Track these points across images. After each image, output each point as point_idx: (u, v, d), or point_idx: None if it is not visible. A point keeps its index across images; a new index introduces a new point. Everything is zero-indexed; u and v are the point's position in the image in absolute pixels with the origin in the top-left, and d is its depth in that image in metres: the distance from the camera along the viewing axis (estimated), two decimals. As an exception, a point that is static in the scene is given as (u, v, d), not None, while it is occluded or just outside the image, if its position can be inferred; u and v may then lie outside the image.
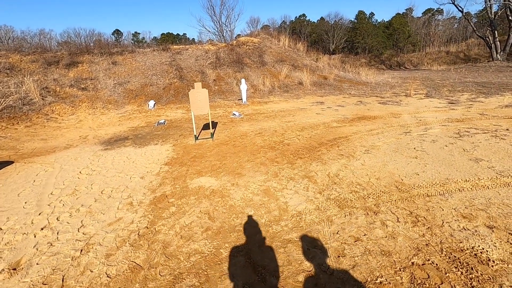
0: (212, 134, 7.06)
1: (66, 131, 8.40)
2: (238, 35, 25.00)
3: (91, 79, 12.88)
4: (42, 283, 2.38)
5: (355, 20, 52.04)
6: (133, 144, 6.72)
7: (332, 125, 7.76)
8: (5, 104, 9.32)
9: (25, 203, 3.86)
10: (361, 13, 52.00)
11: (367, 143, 5.95)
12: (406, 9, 53.59)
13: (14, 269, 2.56)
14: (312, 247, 2.69)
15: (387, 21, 52.50)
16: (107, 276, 2.43)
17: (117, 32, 56.85)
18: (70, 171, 4.99)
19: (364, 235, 2.85)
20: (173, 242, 2.88)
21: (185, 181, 4.41)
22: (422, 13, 52.88)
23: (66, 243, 2.93)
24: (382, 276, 2.27)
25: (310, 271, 2.38)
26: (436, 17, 50.75)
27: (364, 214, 3.24)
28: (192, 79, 14.37)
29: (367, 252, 2.58)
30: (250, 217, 3.29)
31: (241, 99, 12.54)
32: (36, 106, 9.94)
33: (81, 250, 2.80)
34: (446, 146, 5.47)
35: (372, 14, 55.05)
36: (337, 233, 2.90)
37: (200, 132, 7.55)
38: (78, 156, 5.86)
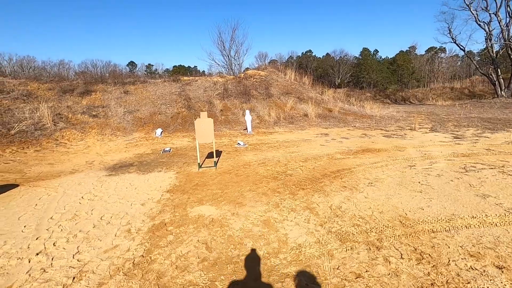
0: (216, 163, 7.10)
1: (73, 156, 8.56)
2: (246, 69, 26.07)
3: (103, 106, 13.36)
4: (30, 312, 2.30)
5: (360, 56, 53.97)
6: (137, 170, 6.78)
7: (336, 157, 7.75)
8: (18, 129, 9.65)
9: (24, 227, 3.85)
10: (365, 50, 54.08)
11: (371, 176, 5.89)
12: (409, 47, 55.55)
13: (4, 295, 2.50)
14: (310, 283, 2.58)
15: (391, 58, 54.28)
16: (97, 307, 2.35)
17: (131, 64, 59.81)
18: (72, 196, 5.02)
19: (366, 271, 2.73)
20: (167, 273, 2.80)
21: (185, 209, 4.38)
22: (425, 51, 54.66)
23: (60, 269, 2.87)
24: (384, 317, 2.14)
25: (307, 309, 2.26)
26: (439, 55, 52.33)
27: (366, 249, 3.13)
28: (199, 109, 14.78)
29: (369, 290, 2.46)
30: (248, 249, 3.20)
31: (246, 129, 12.75)
32: (47, 131, 10.25)
33: (74, 278, 2.73)
34: (452, 181, 5.37)
35: (376, 51, 57.15)
36: (337, 268, 2.79)
37: (204, 161, 7.60)
38: (82, 181, 5.92)
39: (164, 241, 3.42)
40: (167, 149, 9.20)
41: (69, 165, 7.43)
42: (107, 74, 23.02)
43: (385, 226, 3.64)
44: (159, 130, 11.93)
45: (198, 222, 3.92)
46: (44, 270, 2.87)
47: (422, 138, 10.45)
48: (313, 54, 59.00)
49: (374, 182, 5.48)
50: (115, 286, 2.61)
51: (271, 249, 3.17)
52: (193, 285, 2.61)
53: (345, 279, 2.62)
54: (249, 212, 4.19)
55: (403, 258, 2.93)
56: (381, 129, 13.53)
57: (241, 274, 2.75)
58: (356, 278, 2.63)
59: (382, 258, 2.94)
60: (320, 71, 53.28)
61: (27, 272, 2.83)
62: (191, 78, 19.04)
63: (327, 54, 57.31)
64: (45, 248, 3.29)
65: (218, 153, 8.47)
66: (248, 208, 4.36)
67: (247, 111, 12.49)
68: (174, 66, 59.31)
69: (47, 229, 3.76)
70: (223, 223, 3.85)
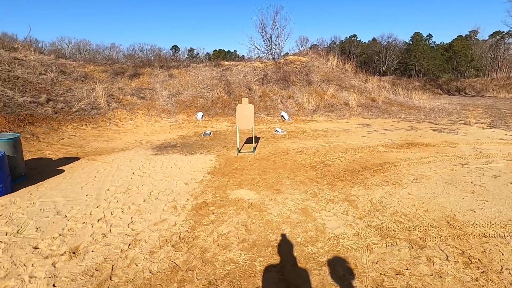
0: (254, 149, 7.24)
1: (124, 134, 9.29)
2: (286, 54, 25.52)
3: (149, 89, 14.14)
4: (95, 269, 2.65)
5: (410, 42, 49.83)
6: (180, 151, 7.18)
7: (378, 149, 7.44)
8: (77, 107, 10.66)
9: (86, 195, 4.34)
10: (417, 34, 49.69)
11: (416, 172, 5.58)
12: (469, 32, 49.81)
13: (74, 253, 2.89)
14: (348, 274, 2.60)
15: (446, 44, 49.37)
16: (150, 272, 2.62)
17: (175, 48, 61.85)
18: (125, 171, 5.50)
19: (407, 269, 2.67)
20: (210, 249, 3.00)
21: (225, 191, 4.58)
22: (489, 36, 48.70)
23: (117, 236, 3.23)
24: (425, 316, 2.10)
25: (344, 298, 2.30)
26: (506, 41, 46.28)
27: (408, 247, 3.04)
28: (239, 94, 14.96)
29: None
30: (286, 234, 3.29)
31: (284, 116, 12.70)
32: (102, 110, 11.19)
33: (129, 244, 3.06)
34: (511, 183, 4.89)
35: (429, 36, 52.26)
36: (376, 263, 2.77)
37: (242, 146, 7.78)
38: (133, 158, 6.43)
39: (206, 219, 3.65)
40: (208, 132, 9.55)
41: (121, 143, 8.09)
42: (153, 58, 24.12)
43: (430, 226, 3.48)
44: (200, 114, 12.37)
45: (237, 204, 4.09)
46: (105, 235, 3.24)
47: (478, 134, 9.55)
48: (357, 39, 55.77)
49: (419, 178, 5.20)
50: (164, 255, 2.88)
51: (309, 237, 3.23)
52: (233, 262, 2.77)
53: (384, 275, 2.59)
54: (286, 199, 4.26)
55: (448, 260, 2.81)
56: (430, 122, 12.59)
57: (278, 258, 2.86)
58: (396, 274, 2.59)
59: (425, 258, 2.84)
60: (365, 57, 50.30)
61: (91, 235, 3.23)
62: (231, 63, 19.22)
63: (373, 39, 53.79)
64: (104, 216, 3.71)
65: (256, 139, 8.59)
66: (285, 195, 4.43)
67: (284, 113, 12.78)
68: (215, 50, 60.17)
69: (105, 199, 4.21)
70: (262, 208, 3.98)
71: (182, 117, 12.30)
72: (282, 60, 20.30)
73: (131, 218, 3.66)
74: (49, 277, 2.52)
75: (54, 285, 2.43)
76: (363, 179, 5.15)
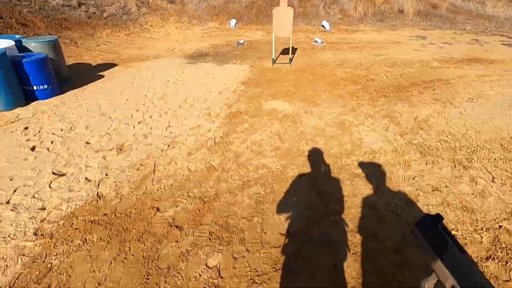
0: (291, 60, 6.73)
1: (156, 42, 9.03)
2: None
3: (179, -9, 12.95)
4: (140, 164, 2.89)
5: None
6: (213, 60, 6.91)
7: (432, 65, 6.56)
8: (109, 12, 10.26)
9: (126, 100, 4.49)
10: None
11: (474, 91, 4.94)
12: None
13: (120, 149, 3.14)
14: (381, 186, 2.58)
15: None
16: (188, 170, 2.81)
17: None
18: (160, 79, 5.51)
19: (446, 186, 2.57)
20: (244, 154, 3.09)
21: (259, 101, 4.47)
22: None
23: (157, 137, 3.41)
24: (457, 229, 2.09)
25: (375, 207, 2.32)
26: None
27: (451, 166, 2.87)
28: (276, -3, 13.24)
29: (445, 204, 2.36)
30: (320, 146, 3.25)
31: (324, 26, 11.30)
32: (133, 16, 10.70)
33: (168, 145, 3.24)
34: None
35: None
36: (413, 178, 2.69)
37: (278, 56, 7.26)
38: (167, 66, 6.35)
39: (240, 127, 3.67)
40: (241, 41, 8.93)
41: (154, 50, 7.93)
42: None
43: (480, 147, 3.21)
44: (233, 21, 11.40)
45: (271, 115, 4.01)
46: (146, 136, 3.44)
47: (562, 51, 7.92)
48: None
49: (476, 98, 4.62)
50: (201, 157, 3.03)
51: (343, 150, 3.16)
52: (266, 167, 2.86)
53: (420, 190, 2.53)
54: (323, 112, 4.08)
55: (494, 182, 2.64)
56: (502, 35, 10.60)
57: (311, 167, 2.88)
58: (433, 190, 2.52)
59: (468, 178, 2.69)
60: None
61: (133, 135, 3.44)
62: (269, -42, 16.44)
63: None
64: (144, 119, 3.87)
65: (293, 50, 7.92)
66: (322, 108, 4.23)
67: (325, 22, 11.10)
68: None
69: (143, 104, 4.34)
70: (296, 119, 3.88)
71: (214, 24, 11.47)
72: (330, -46, 16.90)
73: (169, 122, 3.79)
74: (101, 168, 2.82)
75: (106, 174, 2.72)
76: (409, 96, 4.69)
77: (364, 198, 2.42)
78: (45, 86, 4.41)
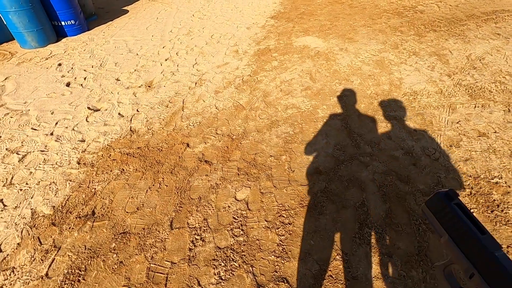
0: (327, -11, 5.96)
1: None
2: None
3: None
4: (169, 101, 2.90)
5: None
6: (241, -8, 6.31)
7: (499, -8, 5.51)
8: None
9: (152, 36, 4.36)
10: None
11: (548, 24, 4.15)
12: None
13: (149, 86, 3.15)
14: (420, 130, 2.41)
15: None
16: (216, 108, 2.78)
17: None
18: (185, 13, 5.20)
19: (495, 132, 2.34)
20: (272, 93, 2.97)
21: (290, 38, 4.13)
22: None
23: (184, 75, 3.35)
24: (501, 177, 1.95)
25: (410, 151, 2.20)
26: None
27: (504, 110, 2.57)
28: None
29: (491, 150, 2.17)
30: (354, 86, 3.02)
31: None
32: None
33: (196, 83, 3.18)
34: None
35: None
36: (457, 122, 2.46)
37: (313, -14, 6.44)
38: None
39: (269, 65, 3.47)
40: (272, -31, 7.96)
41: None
42: None
43: (543, 90, 2.80)
44: None
45: (302, 52, 3.72)
46: (173, 73, 3.38)
47: None
48: None
49: (549, 32, 3.90)
50: (229, 95, 2.96)
51: (380, 91, 2.92)
52: (296, 107, 2.75)
53: (464, 135, 2.33)
54: (360, 50, 3.71)
55: (553, 129, 2.35)
56: None
57: (343, 107, 2.72)
58: (479, 136, 2.31)
59: (522, 123, 2.42)
60: None
61: (161, 72, 3.40)
62: None
63: None
64: (170, 56, 3.77)
65: (331, -23, 6.95)
66: (359, 45, 3.83)
67: None
68: None
69: (169, 41, 4.19)
70: (330, 57, 3.57)
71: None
72: None
73: (195, 59, 3.67)
74: (133, 104, 2.87)
75: (138, 110, 2.78)
76: (464, 30, 4.07)
77: (400, 141, 2.29)
78: (73, 22, 4.35)
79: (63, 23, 4.30)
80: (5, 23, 3.92)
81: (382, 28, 4.27)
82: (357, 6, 5.19)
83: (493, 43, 3.72)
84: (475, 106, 2.63)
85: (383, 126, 2.47)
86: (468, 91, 2.84)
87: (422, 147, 2.23)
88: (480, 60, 3.37)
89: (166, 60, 3.67)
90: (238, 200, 1.90)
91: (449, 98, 2.76)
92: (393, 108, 2.67)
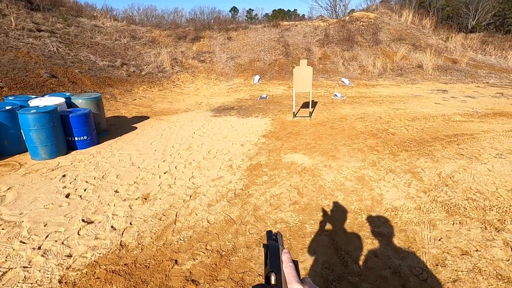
0: (311, 113, 7.01)
1: (186, 96, 9.85)
2: (352, 10, 23.00)
3: (209, 52, 14.43)
4: (162, 214, 3.01)
5: (515, -12, 40.05)
6: (237, 114, 7.36)
7: (455, 119, 6.53)
8: (147, 71, 11.53)
9: (155, 150, 4.83)
10: (526, -23, 39.54)
11: (502, 146, 4.79)
12: None
13: (145, 198, 3.31)
14: (405, 247, 2.47)
15: None
16: (208, 222, 2.88)
17: (234, 9, 60.77)
18: (187, 131, 5.91)
19: (476, 250, 2.41)
20: (262, 207, 3.13)
21: (279, 154, 4.61)
22: None
23: (180, 187, 3.57)
24: (492, 301, 1.91)
25: (398, 271, 2.21)
26: None
27: (481, 227, 2.72)
28: (297, 56, 14.30)
29: (477, 270, 2.20)
30: (339, 201, 3.23)
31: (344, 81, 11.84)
32: (167, 73, 11.92)
33: (190, 196, 3.37)
34: None
35: (545, -22, 41.03)
36: (439, 239, 2.56)
37: (298, 110, 7.60)
38: (194, 119, 6.84)
39: (260, 180, 3.77)
40: (264, 95, 9.51)
41: (183, 104, 8.63)
42: (212, 21, 24.16)
43: (513, 207, 3.03)
44: (257, 77, 12.30)
45: (291, 168, 4.10)
46: (170, 186, 3.62)
47: None
48: (442, -12, 46.89)
49: (505, 154, 4.47)
50: (220, 209, 3.10)
51: (364, 206, 3.11)
52: (284, 222, 2.86)
53: (447, 253, 2.39)
54: (342, 166, 4.11)
55: (532, 247, 2.44)
56: (529, 89, 10.44)
57: (330, 223, 2.84)
58: (462, 255, 2.37)
59: (501, 241, 2.52)
60: (449, 10, 42.44)
61: (159, 185, 3.63)
62: (290, 23, 18.20)
63: (464, -14, 44.57)
64: (169, 169, 4.10)
65: (313, 104, 8.28)
66: (341, 162, 4.27)
67: (344, 79, 11.74)
68: (274, 10, 57.32)
69: (170, 155, 4.63)
70: (315, 173, 3.93)
71: (239, 80, 12.42)
72: (347, 18, 18.44)
73: (192, 173, 3.98)
74: (127, 216, 2.96)
75: (131, 223, 2.85)
76: (432, 151, 4.64)
77: (386, 259, 2.32)
78: (85, 137, 4.89)
79: (76, 138, 4.82)
80: (24, 138, 4.39)
81: (361, 147, 4.85)
82: (337, 128, 6.01)
83: (459, 162, 4.20)
84: (453, 223, 2.78)
85: (369, 242, 2.53)
86: (445, 208, 3.05)
87: (409, 266, 2.25)
88: (450, 178, 3.73)
89: (165, 173, 3.97)
90: (223, 329, 1.77)
91: (428, 214, 2.94)
92: (377, 224, 2.79)
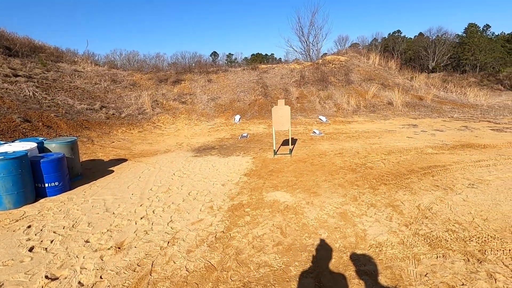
0: (291, 151, 7.13)
1: (167, 137, 9.80)
2: (325, 54, 24.89)
3: (190, 94, 14.78)
4: (137, 264, 2.78)
5: (464, 34, 45.49)
6: (218, 153, 7.34)
7: (427, 151, 6.85)
8: (126, 113, 11.51)
9: (132, 194, 4.63)
10: (471, 26, 45.22)
11: (473, 176, 5.01)
12: (537, 19, 43.80)
13: (119, 248, 3.08)
14: (392, 286, 2.39)
15: (508, 34, 44.14)
16: (186, 270, 2.68)
17: (214, 54, 63.93)
18: (166, 172, 5.78)
19: (462, 284, 2.37)
20: (245, 250, 2.98)
21: (261, 193, 4.55)
22: (563, 22, 42.38)
23: (158, 233, 3.37)
24: None
25: (388, 312, 2.11)
26: None
27: (464, 259, 2.71)
28: (276, 96, 14.93)
29: (465, 307, 2.14)
30: (323, 239, 3.15)
31: (321, 119, 12.35)
32: (147, 115, 11.95)
33: (168, 242, 3.17)
34: None
35: (487, 26, 47.13)
36: (425, 275, 2.51)
37: (279, 148, 7.72)
38: (174, 160, 6.74)
39: (242, 221, 3.65)
40: (245, 134, 9.65)
41: (164, 145, 8.54)
42: (193, 64, 25.16)
43: (491, 237, 3.08)
44: (237, 117, 12.58)
45: (273, 207, 4.03)
46: (146, 232, 3.41)
47: (549, 134, 8.32)
48: (402, 35, 52.36)
49: (476, 183, 4.66)
50: (201, 255, 2.93)
51: (348, 243, 3.05)
52: (268, 266, 2.72)
53: (435, 289, 2.33)
54: (324, 203, 4.10)
55: (514, 278, 2.44)
56: (489, 122, 11.32)
57: (315, 263, 2.74)
58: (449, 290, 2.32)
59: (484, 273, 2.51)
60: (410, 53, 46.99)
61: (134, 232, 3.42)
62: (268, 65, 19.30)
63: (420, 33, 50.06)
64: (146, 214, 3.91)
65: (293, 141, 8.46)
66: (323, 198, 4.26)
67: (322, 117, 12.38)
68: (252, 54, 60.91)
69: (148, 198, 4.44)
70: (298, 211, 3.87)
71: (220, 120, 12.63)
72: (320, 61, 19.85)
73: (171, 217, 3.80)
74: (97, 269, 2.71)
75: (101, 277, 2.60)
76: (409, 183, 4.76)
77: (375, 301, 2.22)
78: (56, 183, 4.63)
79: (46, 184, 4.56)
80: (-13, 186, 4.09)
81: (341, 183, 4.90)
82: (318, 164, 6.10)
83: (436, 194, 4.31)
84: (437, 256, 2.77)
85: (356, 283, 2.44)
86: (427, 241, 3.05)
87: (398, 307, 2.16)
88: (429, 209, 3.80)
89: (141, 218, 3.77)
90: None
91: (412, 248, 2.91)
92: (362, 262, 2.72)
